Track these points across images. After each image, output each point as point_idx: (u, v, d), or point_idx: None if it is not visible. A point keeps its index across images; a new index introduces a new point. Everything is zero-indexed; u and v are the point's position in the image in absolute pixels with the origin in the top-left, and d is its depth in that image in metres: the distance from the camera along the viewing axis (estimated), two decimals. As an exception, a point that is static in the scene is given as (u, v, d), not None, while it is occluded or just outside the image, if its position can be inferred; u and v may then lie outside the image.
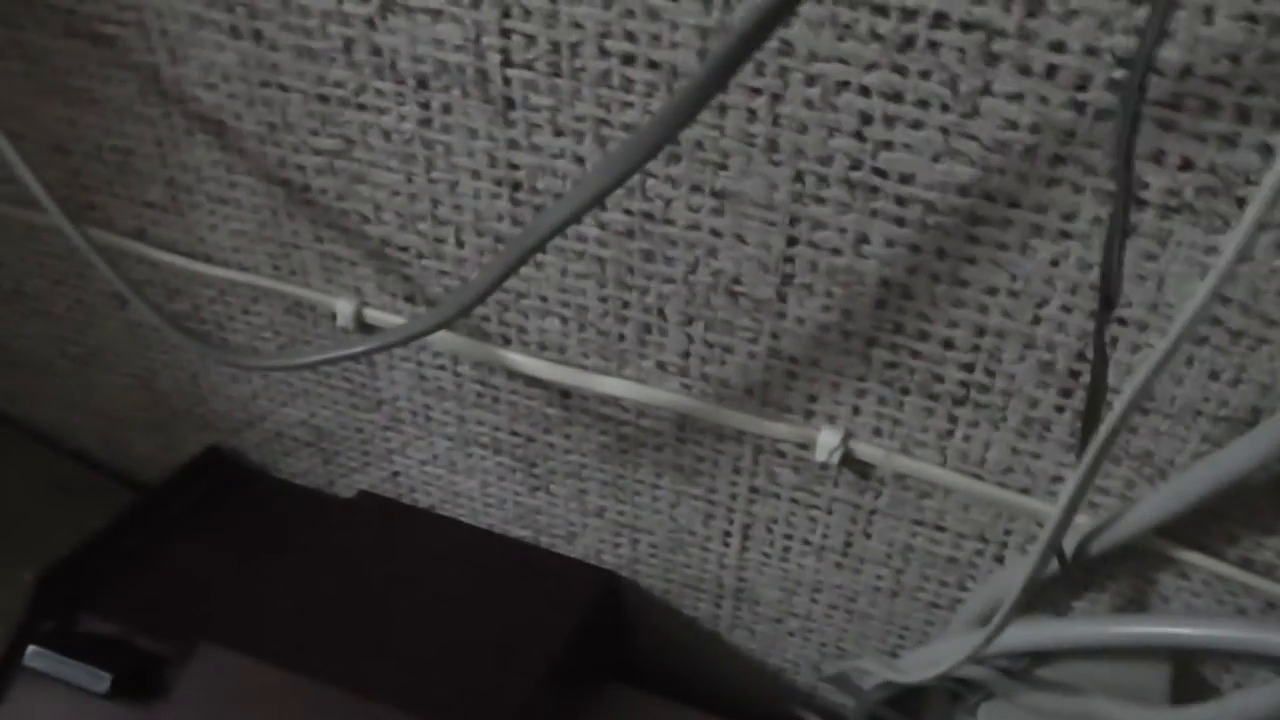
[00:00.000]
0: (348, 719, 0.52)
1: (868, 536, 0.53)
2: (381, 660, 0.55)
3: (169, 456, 0.72)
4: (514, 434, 0.58)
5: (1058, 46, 0.35)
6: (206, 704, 0.54)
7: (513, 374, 0.55)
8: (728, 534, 0.57)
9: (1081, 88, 0.36)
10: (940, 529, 0.51)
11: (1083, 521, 0.46)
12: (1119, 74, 0.35)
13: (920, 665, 0.52)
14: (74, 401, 0.73)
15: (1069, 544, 0.46)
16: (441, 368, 0.56)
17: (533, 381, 0.55)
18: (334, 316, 0.55)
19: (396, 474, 0.64)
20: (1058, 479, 0.47)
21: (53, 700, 0.55)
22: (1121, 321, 0.41)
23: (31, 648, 0.55)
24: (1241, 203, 0.36)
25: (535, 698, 0.54)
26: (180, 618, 0.58)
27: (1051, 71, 0.36)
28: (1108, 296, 0.34)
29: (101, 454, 0.77)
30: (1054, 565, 0.47)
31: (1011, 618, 0.41)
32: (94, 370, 0.69)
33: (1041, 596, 0.50)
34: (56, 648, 0.55)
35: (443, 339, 0.54)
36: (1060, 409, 0.44)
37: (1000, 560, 0.51)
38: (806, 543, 0.55)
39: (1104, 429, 0.33)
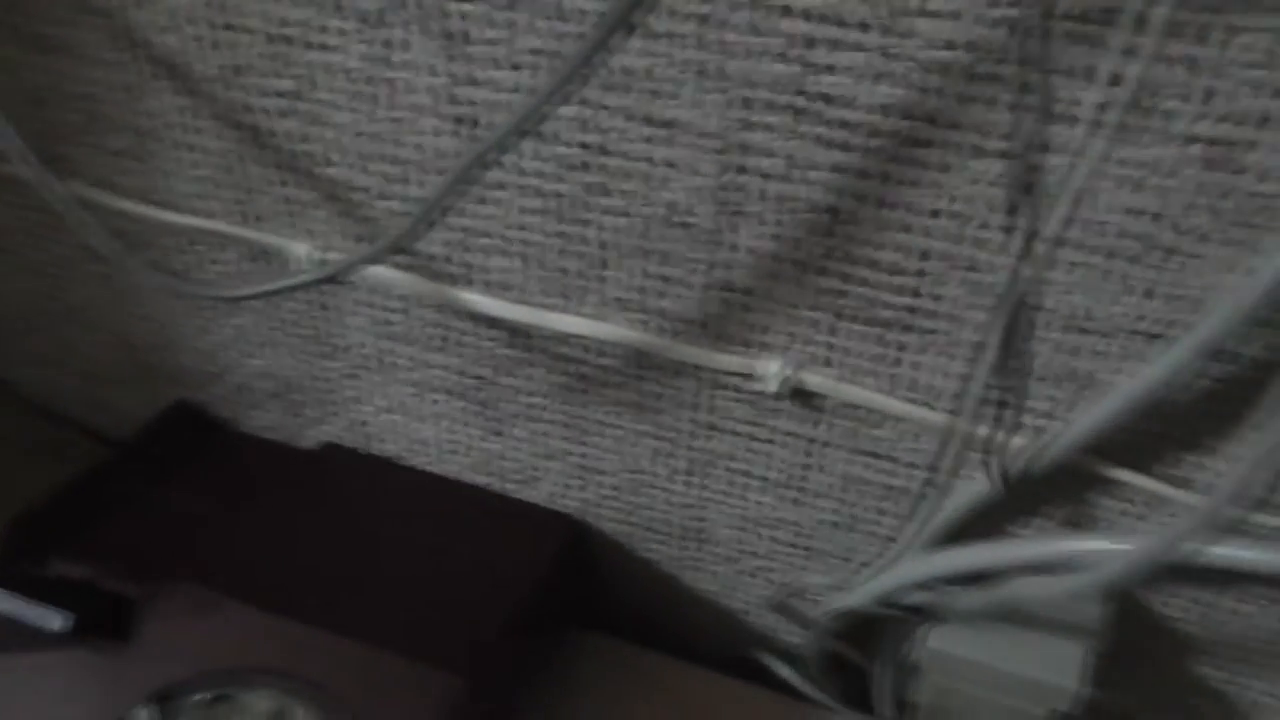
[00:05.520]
0: (314, 655, 0.53)
1: (819, 470, 0.54)
2: (346, 601, 0.56)
3: (147, 414, 0.72)
4: (472, 377, 0.59)
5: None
6: (172, 642, 0.55)
7: (469, 315, 0.56)
8: (682, 471, 0.58)
9: (1014, 4, 0.37)
10: (890, 459, 0.52)
11: (1021, 444, 0.47)
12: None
13: (866, 593, 0.54)
14: (53, 359, 0.73)
15: (1008, 467, 0.47)
16: (399, 311, 0.57)
17: (489, 322, 0.55)
18: (291, 261, 0.56)
19: (360, 423, 0.65)
20: (1004, 404, 0.48)
21: (17, 641, 0.55)
22: (1056, 242, 0.42)
23: (-5, 590, 0.56)
24: (1169, 117, 0.37)
25: (500, 642, 0.55)
26: (148, 561, 0.58)
27: (984, -10, 0.37)
28: (1030, 213, 0.36)
29: (82, 413, 0.77)
30: (993, 488, 0.48)
31: (917, 538, 0.42)
32: (73, 327, 0.69)
33: (985, 522, 0.51)
34: (19, 590, 0.56)
35: (399, 280, 0.55)
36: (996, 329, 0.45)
37: (949, 490, 0.52)
38: (759, 478, 0.56)
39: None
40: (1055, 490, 0.50)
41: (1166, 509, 0.48)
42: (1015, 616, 0.51)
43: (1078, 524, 0.51)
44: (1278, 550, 0.44)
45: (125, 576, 0.57)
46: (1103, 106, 0.38)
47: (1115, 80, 0.37)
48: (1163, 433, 0.46)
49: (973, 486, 0.50)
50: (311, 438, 0.68)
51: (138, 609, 0.56)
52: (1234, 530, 0.47)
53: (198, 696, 0.54)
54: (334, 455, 0.67)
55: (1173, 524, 0.34)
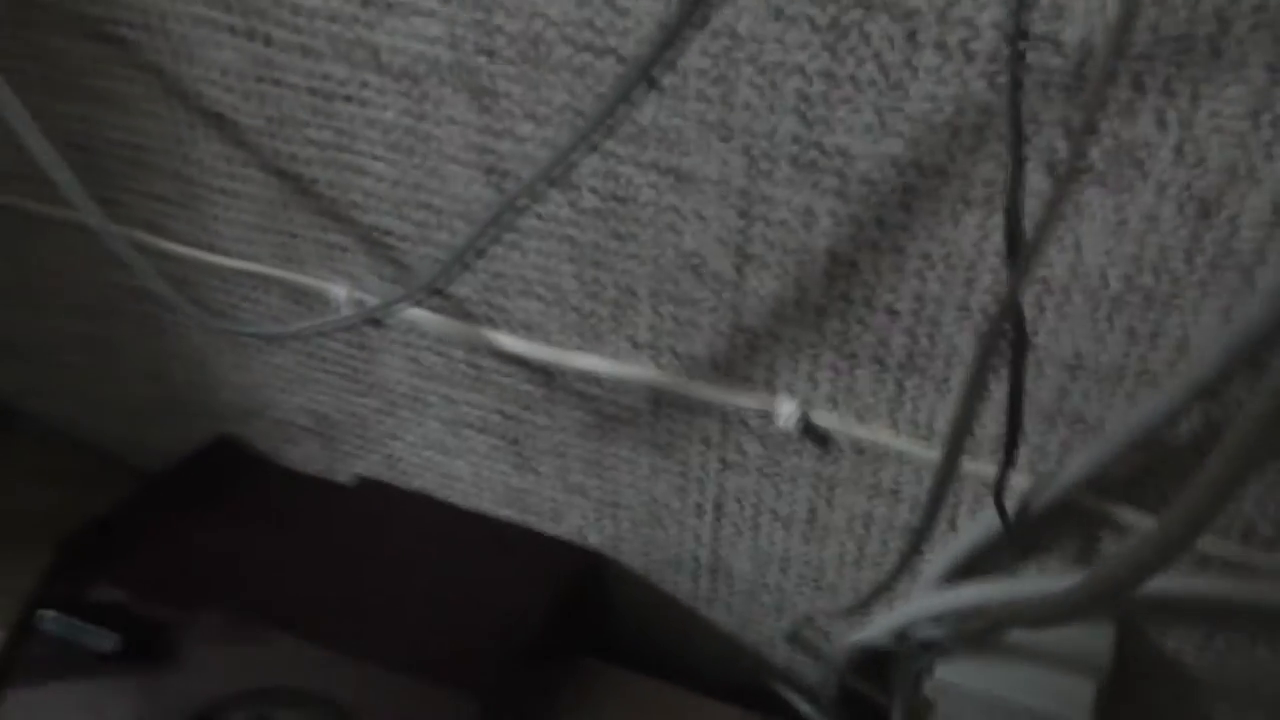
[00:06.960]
0: (341, 678, 0.56)
1: (830, 506, 0.56)
2: (373, 628, 0.59)
3: (183, 449, 0.75)
4: (501, 414, 0.61)
5: (970, 25, 0.39)
6: (209, 666, 0.58)
7: (499, 355, 0.58)
8: (701, 507, 0.60)
9: (994, 62, 0.39)
10: (897, 496, 0.54)
11: (1023, 483, 0.49)
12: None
13: (879, 628, 0.56)
14: (86, 395, 0.77)
15: (1010, 505, 0.49)
16: (432, 351, 0.60)
17: (517, 362, 0.58)
18: (330, 302, 0.59)
19: (393, 458, 0.68)
20: (1007, 443, 0.50)
21: (64, 661, 0.58)
22: (1047, 288, 0.44)
23: (44, 611, 0.59)
24: (1142, 166, 0.40)
25: (514, 668, 0.58)
26: (186, 588, 0.62)
27: (969, 53, 0.39)
28: (1015, 258, 0.38)
29: (117, 448, 0.81)
30: (997, 526, 0.50)
31: (912, 572, 0.44)
32: (107, 363, 0.73)
33: (991, 561, 0.53)
34: (68, 612, 0.59)
35: (433, 321, 0.57)
36: (998, 373, 0.47)
37: (954, 526, 0.54)
38: (774, 514, 0.58)
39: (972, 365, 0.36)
40: (1059, 527, 0.52)
41: (1163, 546, 0.50)
42: (1023, 650, 0.52)
43: (1083, 560, 0.53)
44: (1250, 584, 0.46)
45: (164, 602, 0.60)
46: (1079, 156, 0.40)
47: (1090, 131, 0.39)
48: (1156, 469, 0.48)
49: (979, 524, 0.52)
50: (347, 472, 0.71)
51: (176, 633, 0.59)
52: (1208, 565, 0.49)
53: (236, 718, 0.57)
54: (368, 489, 0.70)
55: (1117, 558, 0.35)
